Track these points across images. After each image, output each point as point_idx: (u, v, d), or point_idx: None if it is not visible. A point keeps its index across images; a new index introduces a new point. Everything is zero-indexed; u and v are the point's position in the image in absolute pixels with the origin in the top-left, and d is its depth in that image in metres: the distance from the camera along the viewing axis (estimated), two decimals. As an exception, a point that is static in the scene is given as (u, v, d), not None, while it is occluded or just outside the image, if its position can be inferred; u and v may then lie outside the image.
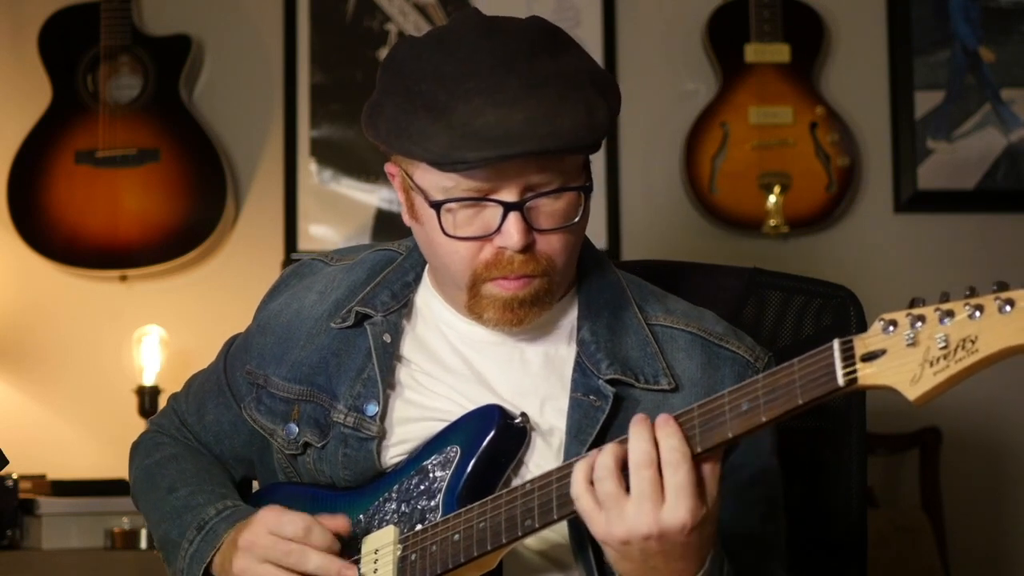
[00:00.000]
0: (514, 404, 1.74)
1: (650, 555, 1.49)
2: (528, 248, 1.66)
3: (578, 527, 1.66)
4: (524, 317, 1.71)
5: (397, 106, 1.66)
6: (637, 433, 1.49)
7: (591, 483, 1.50)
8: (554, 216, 1.67)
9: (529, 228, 1.66)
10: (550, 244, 1.68)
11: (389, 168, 1.77)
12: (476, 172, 1.63)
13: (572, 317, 1.80)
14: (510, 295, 1.69)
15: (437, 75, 1.64)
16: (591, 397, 1.72)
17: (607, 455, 1.49)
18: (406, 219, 1.77)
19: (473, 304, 1.72)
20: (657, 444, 1.48)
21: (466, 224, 1.67)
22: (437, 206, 1.67)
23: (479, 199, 1.65)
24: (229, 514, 1.81)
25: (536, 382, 1.77)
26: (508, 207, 1.64)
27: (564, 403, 1.73)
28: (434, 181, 1.67)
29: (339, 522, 1.71)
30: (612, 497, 1.48)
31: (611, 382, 1.72)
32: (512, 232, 1.65)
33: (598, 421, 1.70)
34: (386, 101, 1.69)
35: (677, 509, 1.46)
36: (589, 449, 1.66)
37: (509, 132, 1.59)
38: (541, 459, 1.72)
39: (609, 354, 1.74)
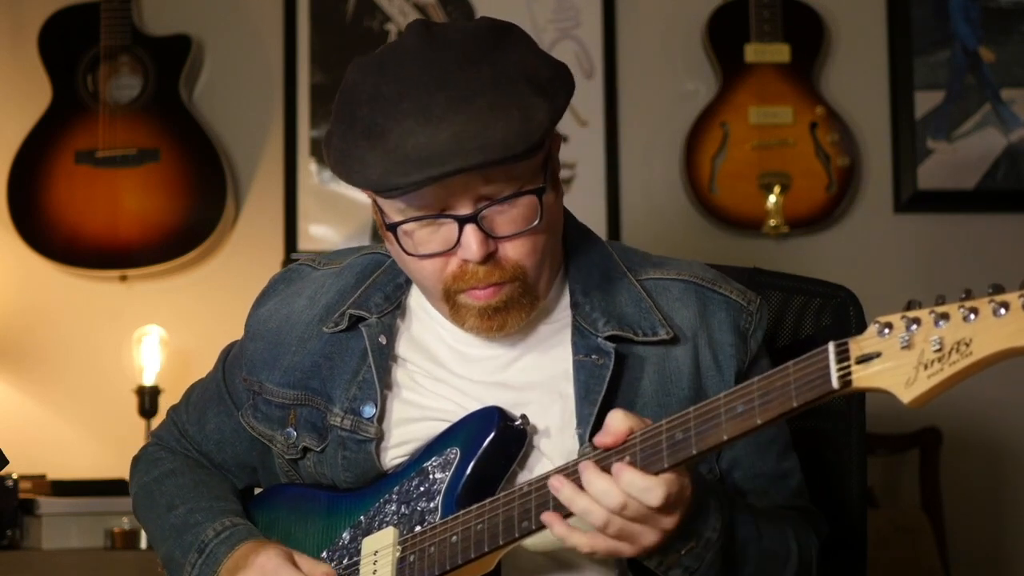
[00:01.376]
0: (518, 386, 1.75)
1: (675, 527, 1.55)
2: (491, 257, 1.67)
3: None
4: (504, 323, 1.72)
5: (341, 135, 1.68)
6: (590, 484, 1.53)
7: (601, 528, 1.53)
8: (513, 222, 1.67)
9: (487, 237, 1.66)
10: (515, 249, 1.68)
11: (364, 191, 1.78)
12: (422, 192, 1.63)
13: (565, 295, 1.81)
14: (483, 304, 1.70)
15: (375, 97, 1.65)
16: (593, 356, 1.73)
17: (593, 506, 1.52)
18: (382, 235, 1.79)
19: (453, 315, 1.74)
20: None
21: (427, 241, 1.68)
22: (392, 228, 1.68)
23: (433, 216, 1.66)
24: (227, 536, 1.82)
25: (537, 361, 1.78)
26: (462, 221, 1.65)
27: (568, 371, 1.74)
28: (391, 204, 1.68)
29: None
30: (627, 528, 1.52)
31: (610, 339, 1.74)
32: (470, 244, 1.65)
33: (604, 379, 1.71)
34: (334, 130, 1.70)
35: (685, 500, 1.53)
36: (599, 409, 1.69)
37: (436, 152, 1.59)
38: (554, 432, 1.73)
39: (604, 312, 1.76)
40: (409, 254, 1.69)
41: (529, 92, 1.64)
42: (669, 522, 1.53)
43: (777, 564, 1.71)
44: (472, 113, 1.60)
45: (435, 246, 1.68)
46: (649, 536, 1.53)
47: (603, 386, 1.71)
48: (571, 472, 1.56)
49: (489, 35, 1.68)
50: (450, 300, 1.71)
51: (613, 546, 1.54)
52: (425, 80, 1.62)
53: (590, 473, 1.52)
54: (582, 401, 1.71)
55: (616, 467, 1.51)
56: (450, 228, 1.66)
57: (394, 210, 1.68)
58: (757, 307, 1.81)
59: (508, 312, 1.71)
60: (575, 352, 1.75)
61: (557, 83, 1.68)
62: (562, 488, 1.54)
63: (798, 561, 1.73)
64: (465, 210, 1.65)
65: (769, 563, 1.69)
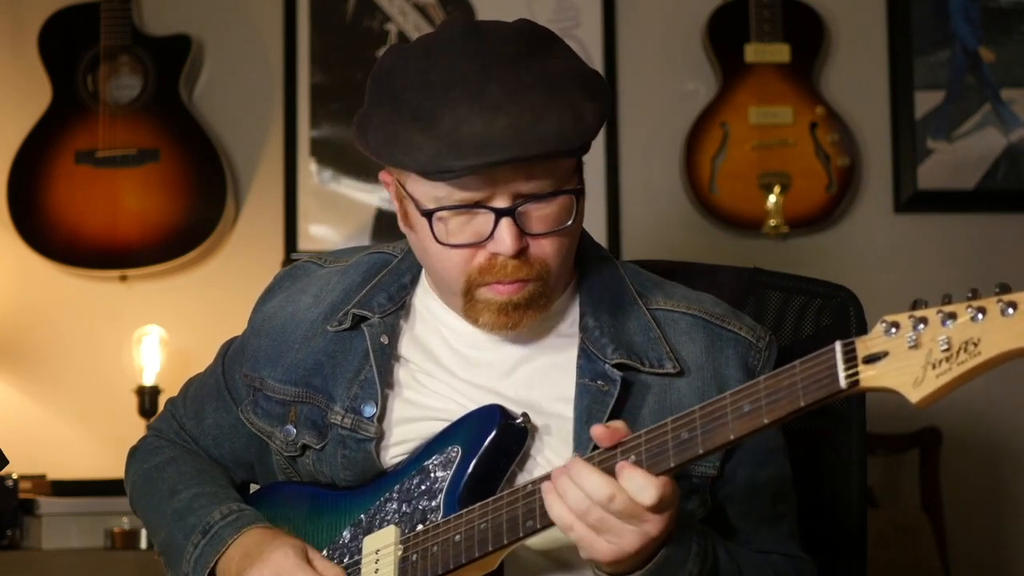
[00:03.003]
0: (517, 398, 1.75)
1: (663, 536, 1.53)
2: (521, 253, 1.67)
3: None
4: (520, 320, 1.71)
5: (385, 116, 1.67)
6: (579, 475, 1.52)
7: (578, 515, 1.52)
8: (546, 220, 1.68)
9: (521, 233, 1.66)
10: (543, 248, 1.69)
11: (383, 176, 1.77)
12: (465, 180, 1.63)
13: (574, 309, 1.81)
14: (505, 299, 1.69)
15: (423, 83, 1.64)
16: (599, 382, 1.73)
17: (576, 492, 1.51)
18: (401, 226, 1.78)
19: (468, 309, 1.73)
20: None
21: (459, 231, 1.68)
22: (429, 215, 1.68)
23: (470, 207, 1.65)
24: (234, 519, 1.81)
25: (540, 374, 1.78)
26: (499, 213, 1.65)
27: (569, 392, 1.74)
28: (426, 190, 1.67)
29: None
30: (606, 521, 1.51)
31: (617, 367, 1.74)
32: (504, 238, 1.65)
33: (607, 406, 1.71)
34: (374, 112, 1.69)
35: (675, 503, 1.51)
36: None
37: (493, 139, 1.59)
38: (550, 450, 1.73)
39: (614, 339, 1.75)
40: (440, 242, 1.68)
41: (579, 93, 1.65)
42: (653, 527, 1.51)
43: None
44: (527, 105, 1.61)
45: (466, 237, 1.68)
46: (631, 538, 1.51)
47: (606, 413, 1.71)
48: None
49: (534, 36, 1.69)
50: (469, 294, 1.71)
51: (590, 537, 1.52)
52: (476, 71, 1.63)
53: (581, 467, 1.52)
54: (582, 425, 1.71)
55: (619, 466, 1.51)
56: (485, 220, 1.66)
57: (430, 197, 1.67)
58: (767, 344, 1.81)
59: (525, 310, 1.71)
60: (580, 375, 1.75)
61: (602, 88, 1.70)
62: (558, 477, 1.54)
63: None
64: (503, 203, 1.65)
65: None
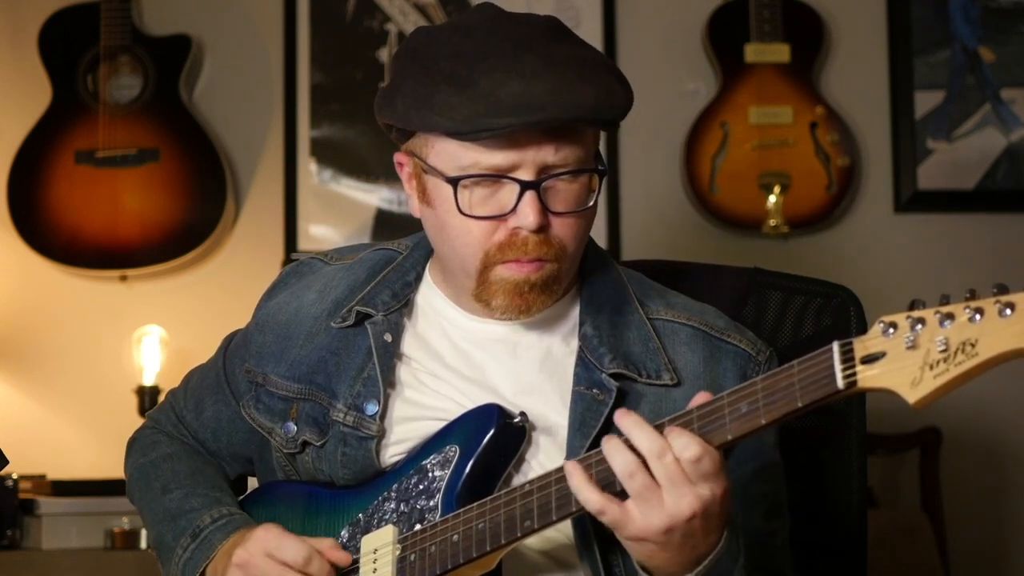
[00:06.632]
0: (515, 401, 1.75)
1: (691, 534, 1.49)
2: (543, 230, 1.67)
3: (583, 527, 1.67)
4: (533, 303, 1.71)
5: (417, 82, 1.67)
6: (636, 425, 1.49)
7: (602, 488, 1.49)
8: (568, 199, 1.68)
9: (544, 209, 1.66)
10: (563, 228, 1.68)
11: (399, 157, 1.77)
12: (497, 145, 1.63)
13: (574, 314, 1.80)
14: (522, 278, 1.69)
15: (456, 54, 1.65)
16: (594, 390, 1.72)
17: (622, 452, 1.48)
18: (415, 208, 1.77)
19: (481, 291, 1.72)
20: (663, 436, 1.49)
21: (481, 204, 1.67)
22: (454, 182, 1.67)
23: (496, 176, 1.65)
24: (224, 523, 1.81)
25: (538, 378, 1.77)
26: (525, 186, 1.65)
27: (566, 398, 1.74)
28: (451, 158, 1.67)
29: (339, 555, 1.72)
30: (649, 488, 1.47)
31: (614, 376, 1.73)
32: (528, 212, 1.65)
33: (601, 414, 1.70)
34: (403, 81, 1.69)
35: (713, 485, 1.47)
36: (592, 442, 1.67)
37: (532, 101, 1.60)
38: (544, 456, 1.72)
39: (612, 348, 1.75)
40: (463, 213, 1.67)
41: (609, 76, 1.68)
42: (687, 503, 1.46)
43: None
44: (562, 75, 1.63)
45: (489, 210, 1.67)
46: (660, 514, 1.46)
47: (599, 421, 1.70)
48: (591, 461, 1.54)
49: (563, 28, 1.72)
50: (484, 273, 1.70)
51: (620, 515, 1.48)
52: (511, 44, 1.65)
53: (635, 421, 1.49)
54: (575, 433, 1.70)
55: (668, 429, 1.49)
56: (508, 193, 1.66)
57: (455, 167, 1.67)
58: (767, 357, 1.80)
59: (539, 293, 1.70)
60: (576, 382, 1.74)
61: (627, 83, 1.72)
62: (608, 441, 1.50)
63: None
64: (528, 175, 1.65)
65: None
